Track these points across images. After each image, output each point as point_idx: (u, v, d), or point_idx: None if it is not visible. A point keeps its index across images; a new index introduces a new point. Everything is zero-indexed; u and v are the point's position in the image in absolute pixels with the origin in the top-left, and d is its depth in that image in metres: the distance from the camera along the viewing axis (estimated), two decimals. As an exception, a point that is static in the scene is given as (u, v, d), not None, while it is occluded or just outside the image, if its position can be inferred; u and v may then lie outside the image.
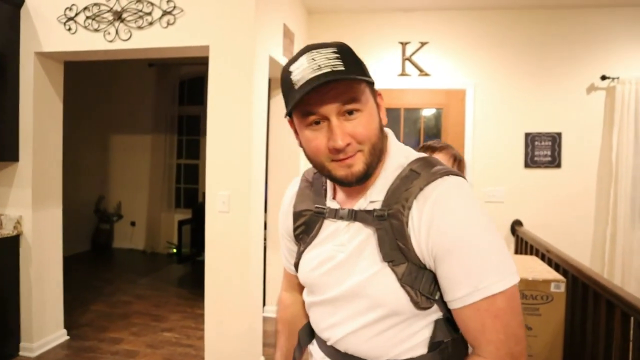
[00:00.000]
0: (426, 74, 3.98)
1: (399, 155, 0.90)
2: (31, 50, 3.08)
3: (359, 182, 0.85)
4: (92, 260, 5.99)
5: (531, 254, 3.24)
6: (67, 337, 3.43)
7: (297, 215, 1.01)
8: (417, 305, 0.81)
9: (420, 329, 0.85)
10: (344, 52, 0.84)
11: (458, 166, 1.49)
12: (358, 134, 0.82)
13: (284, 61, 3.35)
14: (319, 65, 0.80)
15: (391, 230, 0.83)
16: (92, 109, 6.34)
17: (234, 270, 2.76)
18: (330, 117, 0.82)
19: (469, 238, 0.78)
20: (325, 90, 0.80)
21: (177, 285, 4.92)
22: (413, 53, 3.99)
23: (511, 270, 0.79)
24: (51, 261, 3.30)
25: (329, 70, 0.79)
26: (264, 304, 3.59)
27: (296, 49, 3.70)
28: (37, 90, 3.13)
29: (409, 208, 0.82)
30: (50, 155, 3.27)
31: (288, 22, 3.45)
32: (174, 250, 6.16)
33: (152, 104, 6.40)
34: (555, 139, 3.85)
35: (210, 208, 2.80)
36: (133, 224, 6.59)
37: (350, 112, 0.82)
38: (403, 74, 4.01)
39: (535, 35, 3.84)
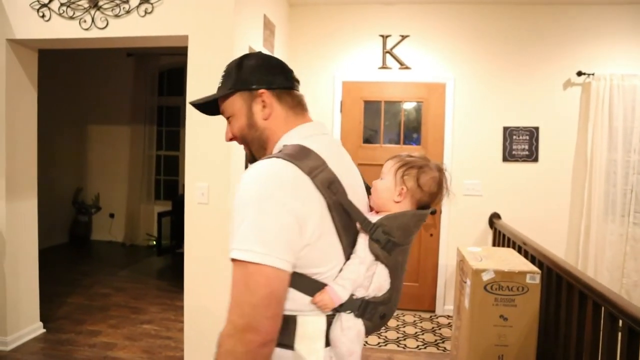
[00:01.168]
0: (407, 67, 3.99)
1: (279, 146, 1.04)
2: (2, 37, 2.99)
3: (251, 163, 1.06)
4: (70, 253, 5.89)
5: (508, 246, 3.30)
6: (44, 330, 3.38)
7: None
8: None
9: None
10: (227, 71, 1.11)
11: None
12: (234, 133, 1.11)
13: (264, 52, 3.32)
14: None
15: None
16: (69, 99, 6.21)
17: (214, 261, 2.74)
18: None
19: (237, 207, 0.90)
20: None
21: (156, 278, 4.87)
22: (394, 46, 4.00)
23: (251, 248, 0.85)
24: (26, 253, 3.24)
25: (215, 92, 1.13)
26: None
27: (277, 40, 3.67)
28: (9, 78, 3.05)
29: None
30: (24, 145, 3.20)
31: (269, 13, 3.42)
32: (154, 243, 6.10)
33: (131, 95, 6.29)
34: (532, 134, 3.91)
35: (189, 199, 2.78)
36: (112, 215, 6.50)
37: (228, 118, 1.11)
38: (384, 67, 4.02)
39: (514, 30, 3.89)
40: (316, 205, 0.91)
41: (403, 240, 1.01)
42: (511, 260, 2.49)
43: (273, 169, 0.91)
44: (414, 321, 3.84)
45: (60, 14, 2.87)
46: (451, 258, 3.96)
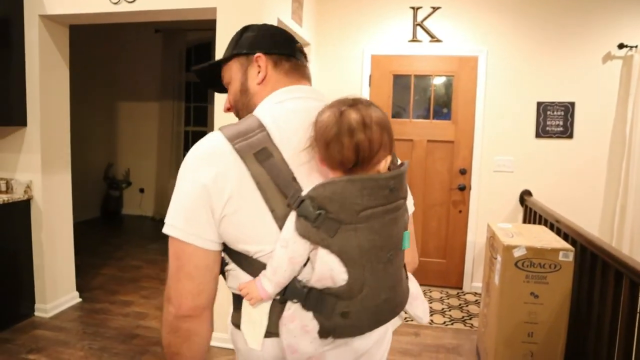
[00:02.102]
0: (438, 40, 3.89)
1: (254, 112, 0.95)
2: (35, 13, 3.03)
3: None
4: (102, 226, 6.07)
5: (540, 224, 3.23)
6: (80, 300, 3.50)
7: None
8: None
9: None
10: (232, 39, 1.04)
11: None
12: (229, 101, 1.06)
13: (292, 25, 3.28)
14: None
15: None
16: (100, 77, 6.30)
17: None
18: None
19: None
20: None
21: (185, 251, 4.97)
22: (425, 18, 3.89)
23: (170, 222, 0.85)
24: (62, 225, 3.34)
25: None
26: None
27: (305, 12, 3.61)
28: (42, 54, 3.10)
29: None
30: (58, 120, 3.27)
31: (297, -16, 3.36)
32: (183, 217, 6.21)
33: (159, 71, 6.34)
34: (568, 109, 3.78)
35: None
36: (142, 190, 6.64)
37: (227, 85, 1.05)
38: (414, 39, 3.92)
39: (550, 1, 3.72)
40: (232, 174, 0.82)
41: (347, 217, 0.78)
42: (543, 237, 2.43)
43: (199, 142, 0.89)
44: (441, 297, 3.83)
45: (90, -12, 2.89)
46: (480, 235, 3.90)
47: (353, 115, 0.79)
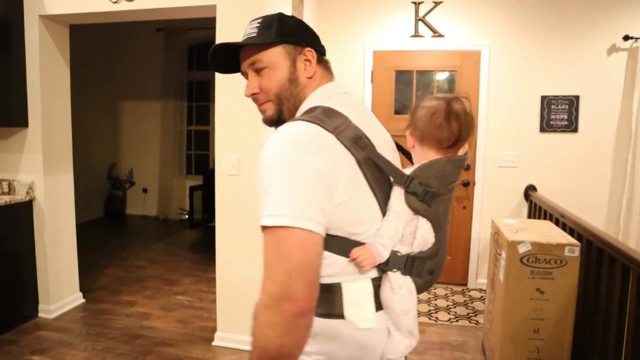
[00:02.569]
0: (440, 35, 3.85)
1: (307, 105, 1.00)
2: (35, 13, 3.03)
3: (273, 124, 1.04)
4: (105, 226, 6.07)
5: (545, 219, 3.20)
6: (83, 300, 3.50)
7: None
8: None
9: None
10: (266, 22, 1.01)
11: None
12: (263, 86, 1.02)
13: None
14: (243, 35, 1.04)
15: None
16: (101, 76, 6.30)
17: (245, 232, 2.76)
18: (247, 72, 1.04)
19: (262, 173, 0.87)
20: (242, 53, 1.04)
21: (189, 250, 4.97)
22: (427, 13, 3.85)
23: (281, 213, 0.81)
24: (65, 225, 3.34)
25: (244, 39, 1.02)
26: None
27: (306, 9, 3.59)
28: (43, 54, 3.09)
29: None
30: (59, 120, 3.26)
31: (297, -19, 3.34)
32: (186, 216, 6.22)
33: (161, 70, 6.33)
34: (572, 103, 3.74)
35: (219, 171, 2.78)
36: (145, 190, 6.64)
37: (260, 70, 1.01)
38: (416, 35, 3.89)
39: (555, -8, 3.68)
40: (344, 162, 0.88)
41: (442, 190, 0.96)
42: (549, 233, 2.40)
43: (296, 132, 0.89)
44: (446, 294, 3.81)
45: (89, -12, 2.88)
46: (484, 231, 3.87)
47: (459, 105, 1.00)
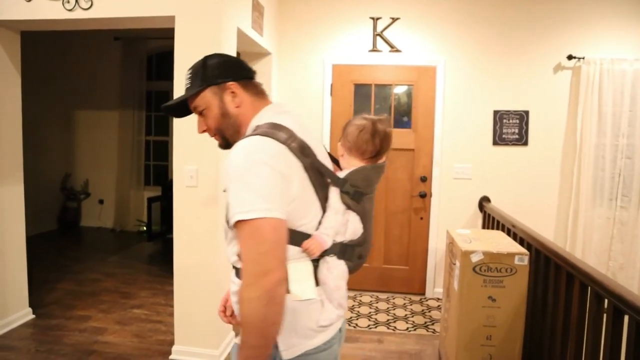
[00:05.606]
0: (397, 50, 3.97)
1: (252, 127, 1.18)
2: (-16, 18, 2.92)
3: (226, 149, 1.23)
4: (59, 239, 5.85)
5: (498, 229, 3.32)
6: (33, 316, 3.36)
7: None
8: (228, 224, 1.09)
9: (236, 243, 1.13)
10: (195, 71, 1.24)
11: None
12: (207, 124, 1.25)
13: (252, 34, 3.28)
14: (184, 85, 1.27)
15: None
16: (56, 84, 6.11)
17: (204, 244, 2.73)
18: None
19: (229, 178, 1.04)
20: (187, 102, 1.26)
21: (147, 263, 4.86)
22: (384, 29, 3.96)
23: (253, 208, 0.99)
24: (13, 238, 3.20)
25: (185, 90, 1.26)
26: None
27: (266, 22, 3.62)
28: (-8, 61, 2.98)
29: None
30: (9, 129, 3.14)
31: (258, -6, 3.36)
32: (144, 228, 6.07)
33: (119, 79, 6.20)
34: (522, 117, 3.92)
35: (178, 183, 2.75)
36: (101, 201, 6.46)
37: (201, 112, 1.24)
38: (374, 49, 3.99)
39: (505, 12, 3.86)
40: (295, 167, 1.07)
41: (367, 190, 1.21)
42: (500, 242, 2.50)
43: (255, 143, 1.06)
44: (404, 304, 3.88)
45: (43, -6, 2.81)
46: (441, 241, 3.98)
47: (382, 126, 1.26)
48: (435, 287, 4.07)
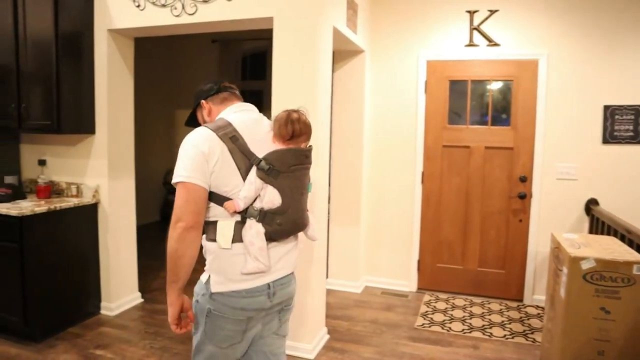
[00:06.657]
0: (495, 44, 3.77)
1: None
2: (104, 28, 3.22)
3: None
4: (161, 230, 6.30)
5: (608, 234, 3.05)
6: (142, 300, 3.65)
7: None
8: None
9: None
10: (194, 97, 1.76)
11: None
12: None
13: (347, 32, 3.29)
14: None
15: None
16: (159, 85, 6.57)
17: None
18: None
19: (179, 152, 1.47)
20: None
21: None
22: (481, 22, 3.79)
23: (178, 174, 1.42)
24: (126, 228, 3.51)
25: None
26: (327, 276, 3.63)
27: (360, 20, 3.62)
28: (110, 66, 3.28)
29: None
30: (124, 128, 3.44)
31: (352, -8, 3.37)
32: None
33: (216, 80, 6.51)
34: (638, 112, 3.55)
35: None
36: (198, 196, 6.83)
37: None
38: (470, 44, 3.82)
39: (620, -2, 3.52)
40: (218, 149, 1.43)
41: (283, 168, 1.47)
42: (614, 249, 2.29)
43: (195, 132, 1.48)
44: (500, 309, 3.69)
45: (153, 3, 3.03)
46: (542, 245, 3.74)
47: (296, 115, 1.56)
48: (534, 294, 3.83)
